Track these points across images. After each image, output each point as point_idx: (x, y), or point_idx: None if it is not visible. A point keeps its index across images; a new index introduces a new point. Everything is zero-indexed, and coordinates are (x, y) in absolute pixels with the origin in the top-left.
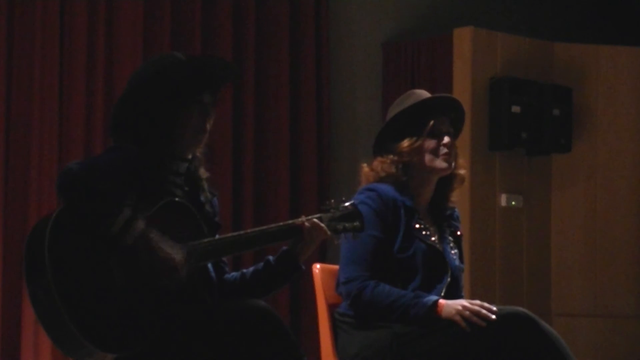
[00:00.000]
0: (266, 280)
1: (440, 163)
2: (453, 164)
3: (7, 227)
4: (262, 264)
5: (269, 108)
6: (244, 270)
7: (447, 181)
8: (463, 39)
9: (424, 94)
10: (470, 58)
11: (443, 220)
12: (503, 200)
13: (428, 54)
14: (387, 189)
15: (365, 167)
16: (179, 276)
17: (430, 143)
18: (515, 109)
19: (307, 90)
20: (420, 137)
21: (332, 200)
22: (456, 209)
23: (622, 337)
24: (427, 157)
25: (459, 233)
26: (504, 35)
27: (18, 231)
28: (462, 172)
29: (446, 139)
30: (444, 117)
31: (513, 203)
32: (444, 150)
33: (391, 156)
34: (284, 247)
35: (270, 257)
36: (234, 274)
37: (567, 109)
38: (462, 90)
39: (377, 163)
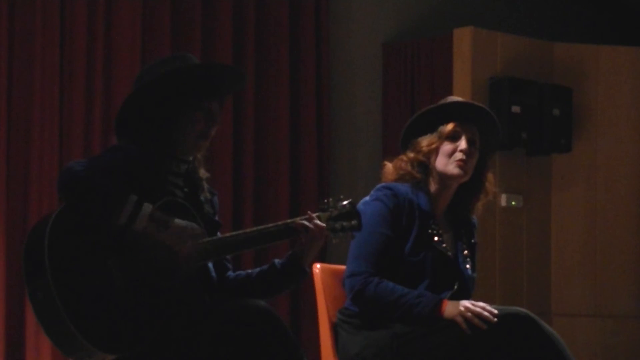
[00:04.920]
0: (271, 282)
1: (452, 168)
2: (468, 172)
3: (9, 228)
4: (267, 266)
5: (269, 108)
6: (250, 271)
7: (471, 190)
8: (463, 39)
9: (458, 99)
10: (470, 58)
11: (460, 226)
12: (503, 200)
13: (428, 54)
14: (404, 189)
15: (387, 164)
16: (182, 266)
17: (447, 146)
18: (515, 109)
19: (307, 90)
20: (439, 139)
21: (330, 199)
22: (474, 217)
23: (622, 337)
24: (441, 160)
25: (473, 241)
26: (504, 35)
27: (19, 231)
28: (488, 184)
29: (463, 145)
30: (472, 125)
31: (513, 203)
32: (459, 155)
33: (410, 154)
34: (290, 251)
35: (276, 260)
36: (240, 272)
37: (567, 109)
38: (462, 90)
39: (397, 160)
